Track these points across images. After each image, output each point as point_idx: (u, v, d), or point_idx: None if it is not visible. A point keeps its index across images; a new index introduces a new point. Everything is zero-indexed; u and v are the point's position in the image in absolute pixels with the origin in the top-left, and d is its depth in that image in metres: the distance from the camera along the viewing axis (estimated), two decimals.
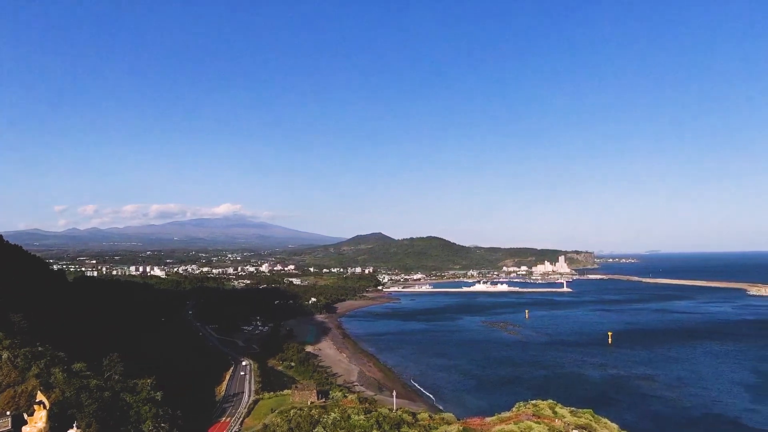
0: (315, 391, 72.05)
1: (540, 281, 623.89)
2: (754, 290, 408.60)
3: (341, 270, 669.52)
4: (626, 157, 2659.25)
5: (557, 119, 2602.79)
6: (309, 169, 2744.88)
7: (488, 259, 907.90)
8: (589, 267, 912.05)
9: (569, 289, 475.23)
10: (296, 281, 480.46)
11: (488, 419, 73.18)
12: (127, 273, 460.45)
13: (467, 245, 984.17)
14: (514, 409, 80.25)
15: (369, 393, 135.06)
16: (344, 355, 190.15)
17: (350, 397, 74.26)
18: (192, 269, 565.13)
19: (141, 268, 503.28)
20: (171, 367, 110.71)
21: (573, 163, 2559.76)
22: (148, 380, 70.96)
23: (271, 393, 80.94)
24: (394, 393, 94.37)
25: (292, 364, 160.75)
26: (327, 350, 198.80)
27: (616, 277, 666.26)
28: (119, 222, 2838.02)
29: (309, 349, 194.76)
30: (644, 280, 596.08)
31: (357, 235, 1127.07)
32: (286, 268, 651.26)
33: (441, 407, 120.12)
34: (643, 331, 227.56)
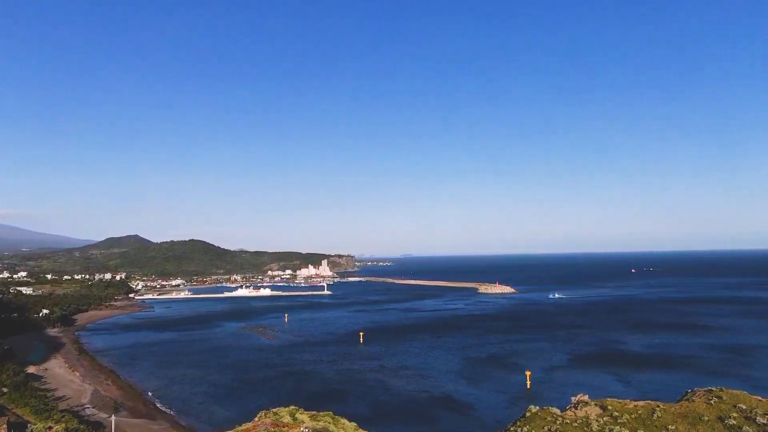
0: (5, 426, 59.37)
1: (303, 284, 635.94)
2: (483, 289, 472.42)
3: (87, 276, 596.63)
4: (383, 168, 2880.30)
5: (305, 123, 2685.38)
6: (52, 161, 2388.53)
7: (254, 263, 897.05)
8: (350, 270, 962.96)
9: (330, 292, 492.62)
10: (27, 290, 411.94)
11: None
12: None
13: (233, 249, 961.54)
14: (256, 418, 77.51)
15: (102, 416, 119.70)
16: (77, 373, 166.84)
17: (56, 427, 63.06)
18: None
19: None
20: None
21: (335, 171, 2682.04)
22: None
23: None
24: (113, 418, 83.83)
25: (5, 389, 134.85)
26: (56, 369, 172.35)
27: (373, 279, 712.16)
28: None
29: (32, 369, 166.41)
30: (397, 281, 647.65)
31: (109, 238, 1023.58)
32: (15, 276, 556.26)
33: (183, 423, 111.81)
34: (391, 328, 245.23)
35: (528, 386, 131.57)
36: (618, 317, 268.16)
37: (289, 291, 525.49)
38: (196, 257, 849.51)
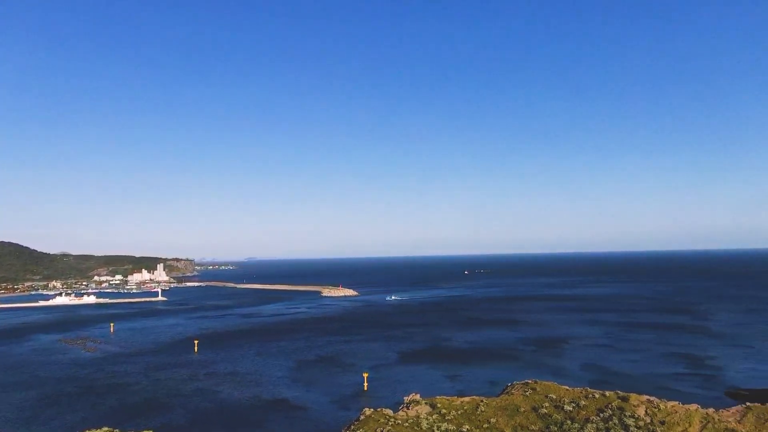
0: None
1: (135, 291, 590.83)
2: (326, 292, 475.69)
3: None
4: (223, 166, 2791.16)
5: (144, 112, 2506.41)
6: None
7: (78, 268, 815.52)
8: (189, 274, 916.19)
9: (164, 298, 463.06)
10: None
11: None
12: None
13: (54, 252, 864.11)
14: None
15: None
16: None
17: None
18: None
19: None
20: None
21: (171, 167, 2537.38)
22: None
23: None
24: None
25: None
26: None
27: (213, 283, 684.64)
28: None
29: None
30: (239, 285, 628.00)
31: None
32: None
33: None
34: (229, 335, 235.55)
35: (365, 387, 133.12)
36: (449, 316, 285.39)
37: (118, 298, 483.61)
38: (6, 262, 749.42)
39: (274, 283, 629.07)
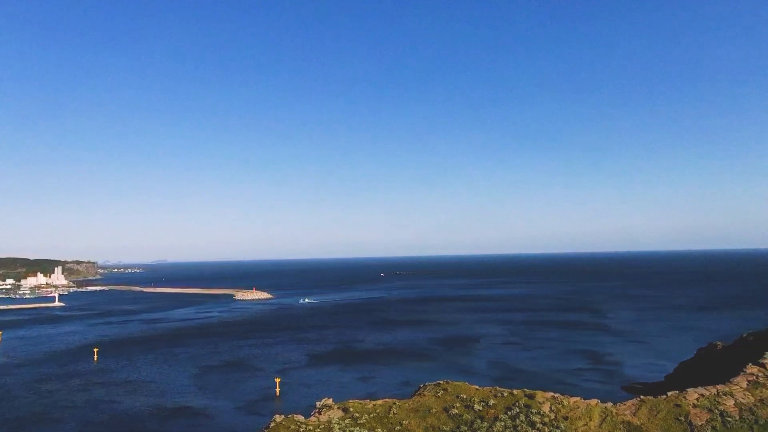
0: None
1: (29, 296, 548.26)
2: (239, 295, 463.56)
3: None
4: (131, 167, 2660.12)
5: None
6: None
7: None
8: (91, 278, 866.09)
9: (62, 303, 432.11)
10: None
11: None
12: None
13: None
14: None
15: None
16: None
17: None
18: None
19: None
20: None
21: (68, 160, 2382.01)
22: None
23: None
24: None
25: None
26: None
27: (118, 287, 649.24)
28: None
29: None
30: (146, 289, 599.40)
31: None
32: None
33: None
34: (133, 341, 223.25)
35: (277, 393, 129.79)
36: (363, 317, 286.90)
37: (8, 304, 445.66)
38: None
39: (184, 287, 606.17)
